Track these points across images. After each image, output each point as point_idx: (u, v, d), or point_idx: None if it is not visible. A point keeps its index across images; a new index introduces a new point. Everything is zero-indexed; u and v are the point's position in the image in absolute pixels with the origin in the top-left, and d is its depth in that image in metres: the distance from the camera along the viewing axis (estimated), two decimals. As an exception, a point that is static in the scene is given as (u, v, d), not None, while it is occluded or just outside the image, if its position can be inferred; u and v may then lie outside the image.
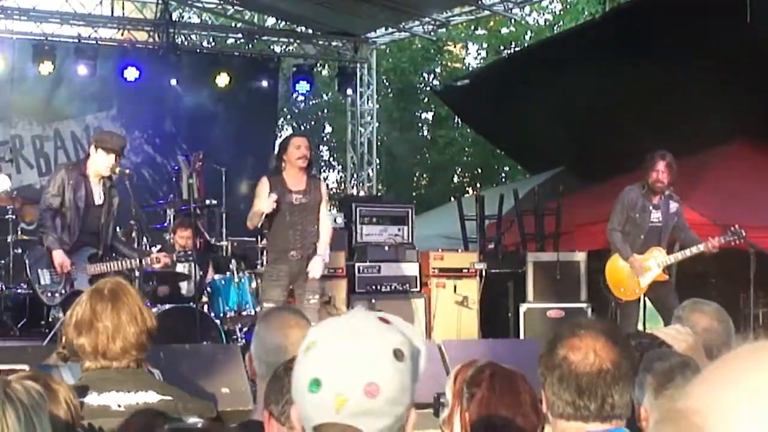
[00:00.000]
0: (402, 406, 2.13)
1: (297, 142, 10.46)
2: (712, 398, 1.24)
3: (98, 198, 9.96)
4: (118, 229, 10.47)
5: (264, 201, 10.21)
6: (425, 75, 31.15)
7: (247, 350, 9.63)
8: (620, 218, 11.32)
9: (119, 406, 3.98)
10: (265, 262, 10.76)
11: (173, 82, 17.85)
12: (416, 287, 13.52)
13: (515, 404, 3.58)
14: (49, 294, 9.99)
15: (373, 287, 13.40)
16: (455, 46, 31.44)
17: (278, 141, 15.33)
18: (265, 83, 19.33)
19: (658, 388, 3.77)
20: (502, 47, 29.50)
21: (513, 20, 25.61)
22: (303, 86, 19.71)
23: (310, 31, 20.58)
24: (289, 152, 10.30)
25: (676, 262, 11.32)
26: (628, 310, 11.25)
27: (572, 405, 3.02)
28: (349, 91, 20.66)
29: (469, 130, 27.45)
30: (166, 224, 12.99)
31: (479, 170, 30.77)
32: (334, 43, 20.70)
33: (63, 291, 9.85)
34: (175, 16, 20.35)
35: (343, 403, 2.07)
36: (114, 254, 10.17)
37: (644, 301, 12.08)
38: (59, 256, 9.79)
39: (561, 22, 28.04)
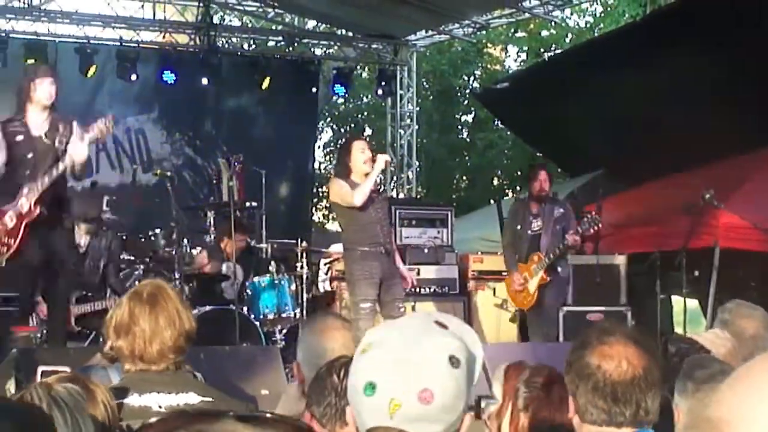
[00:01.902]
0: (456, 412, 2.15)
1: (361, 145, 10.30)
2: (740, 409, 1.26)
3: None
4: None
5: (379, 162, 10.13)
6: (465, 77, 31.09)
7: (287, 352, 9.68)
8: (507, 234, 12.11)
9: (160, 407, 4.01)
10: (350, 259, 10.29)
11: (204, 81, 17.88)
12: (456, 290, 13.52)
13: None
14: None
15: (413, 290, 13.39)
16: (495, 49, 31.37)
17: (318, 143, 15.45)
18: (305, 86, 19.38)
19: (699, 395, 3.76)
20: (542, 50, 29.41)
21: (553, 23, 25.53)
22: (339, 89, 19.78)
23: (350, 33, 20.62)
24: (355, 156, 10.13)
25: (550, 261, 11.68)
26: (534, 318, 11.92)
27: (607, 412, 3.03)
28: (386, 93, 20.64)
29: (509, 133, 27.38)
30: (206, 226, 13.03)
31: (519, 173, 30.64)
32: (374, 46, 20.73)
33: None
34: (216, 19, 20.44)
35: (396, 408, 2.09)
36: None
37: (685, 302, 12.05)
38: None
39: (601, 25, 27.94)
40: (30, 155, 9.00)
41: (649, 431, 3.06)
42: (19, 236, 8.90)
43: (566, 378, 3.19)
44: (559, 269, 11.74)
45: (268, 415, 1.26)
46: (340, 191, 10.16)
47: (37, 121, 9.11)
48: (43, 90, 9.13)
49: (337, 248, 14.53)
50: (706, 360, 4.11)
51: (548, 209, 11.74)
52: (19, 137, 9.01)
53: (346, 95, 21.43)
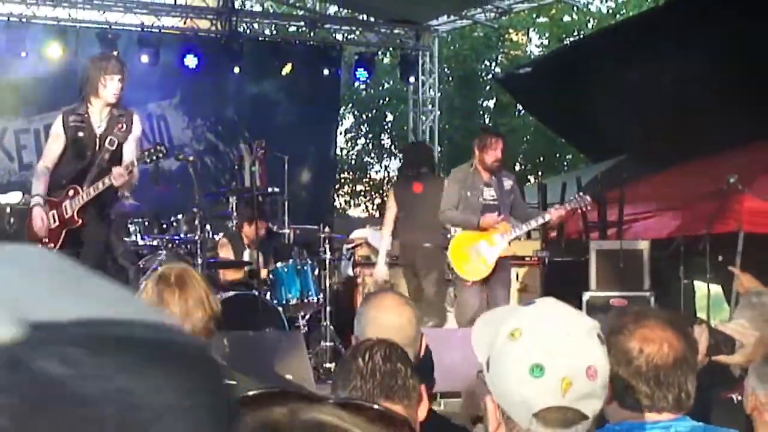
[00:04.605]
0: (607, 387, 2.28)
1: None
2: None
3: None
4: None
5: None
6: (487, 63, 31.04)
7: (310, 338, 9.67)
8: (452, 199, 11.19)
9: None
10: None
11: (236, 70, 17.94)
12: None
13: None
14: None
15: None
16: (517, 34, 31.30)
17: (339, 129, 15.48)
18: (327, 71, 19.33)
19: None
20: (564, 35, 29.32)
21: (575, 8, 25.47)
22: (361, 74, 19.73)
23: (372, 18, 20.58)
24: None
25: (522, 234, 11.36)
26: (466, 296, 10.93)
27: (650, 397, 3.01)
28: (411, 79, 20.61)
29: (531, 118, 27.33)
30: (228, 212, 13.02)
31: (541, 158, 30.63)
32: (396, 31, 20.67)
33: None
34: (237, 4, 20.43)
35: (568, 387, 2.16)
36: None
37: (708, 287, 11.98)
38: None
39: (623, 10, 27.84)
40: (89, 153, 8.72)
41: (686, 419, 3.04)
42: (59, 242, 8.75)
43: None
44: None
45: (370, 404, 1.24)
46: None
47: (99, 117, 8.78)
48: (112, 87, 8.70)
49: (360, 234, 14.55)
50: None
51: (498, 180, 11.34)
52: (81, 133, 8.72)
53: (368, 80, 21.32)
